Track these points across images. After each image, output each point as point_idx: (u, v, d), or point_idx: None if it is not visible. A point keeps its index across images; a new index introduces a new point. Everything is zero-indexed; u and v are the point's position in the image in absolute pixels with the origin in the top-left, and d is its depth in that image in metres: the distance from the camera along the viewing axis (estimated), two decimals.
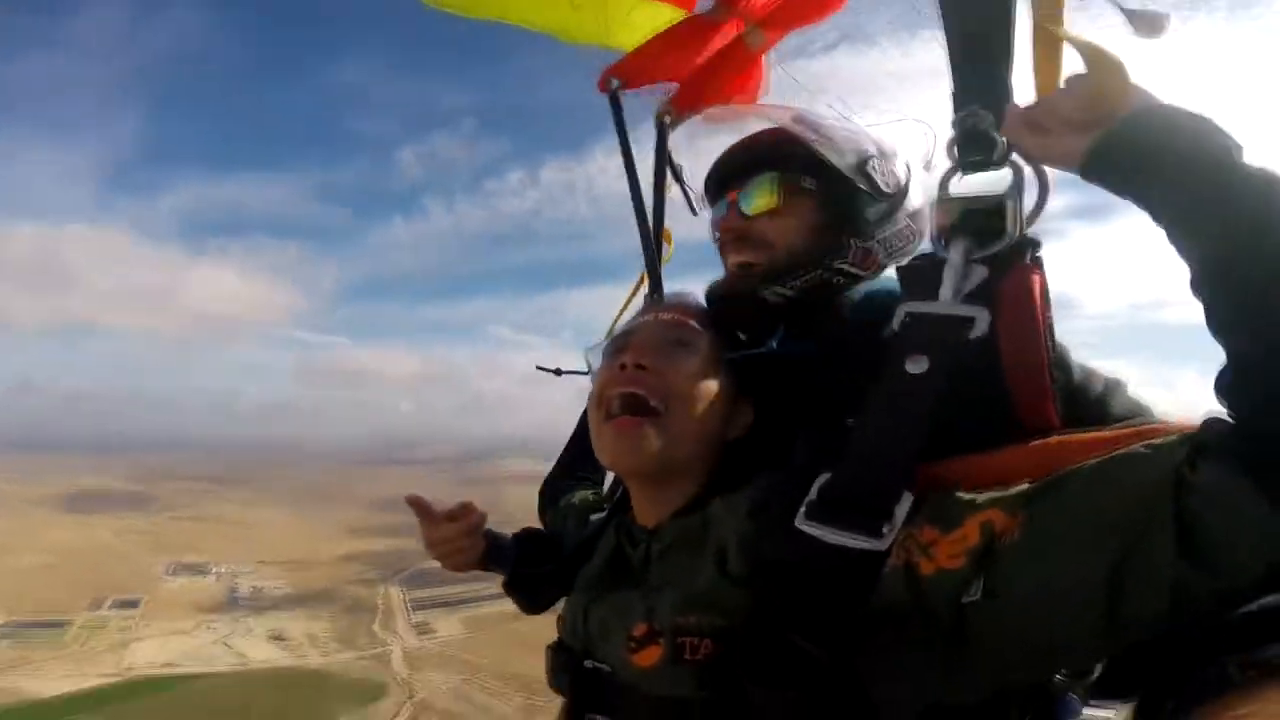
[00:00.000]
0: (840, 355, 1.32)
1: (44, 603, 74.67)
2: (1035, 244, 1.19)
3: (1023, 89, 1.18)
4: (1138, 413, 1.24)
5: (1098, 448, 0.95)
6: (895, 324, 1.14)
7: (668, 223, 2.11)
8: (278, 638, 72.05)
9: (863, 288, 1.47)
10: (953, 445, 1.08)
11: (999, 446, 1.09)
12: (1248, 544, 0.78)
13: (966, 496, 1.00)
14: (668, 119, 1.92)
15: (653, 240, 2.01)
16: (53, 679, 57.11)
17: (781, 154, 1.50)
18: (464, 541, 1.82)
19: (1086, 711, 1.28)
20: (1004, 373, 1.12)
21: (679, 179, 1.96)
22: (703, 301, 1.54)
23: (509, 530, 1.96)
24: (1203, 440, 0.83)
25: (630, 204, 2.12)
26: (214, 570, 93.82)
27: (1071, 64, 1.04)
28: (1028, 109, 1.08)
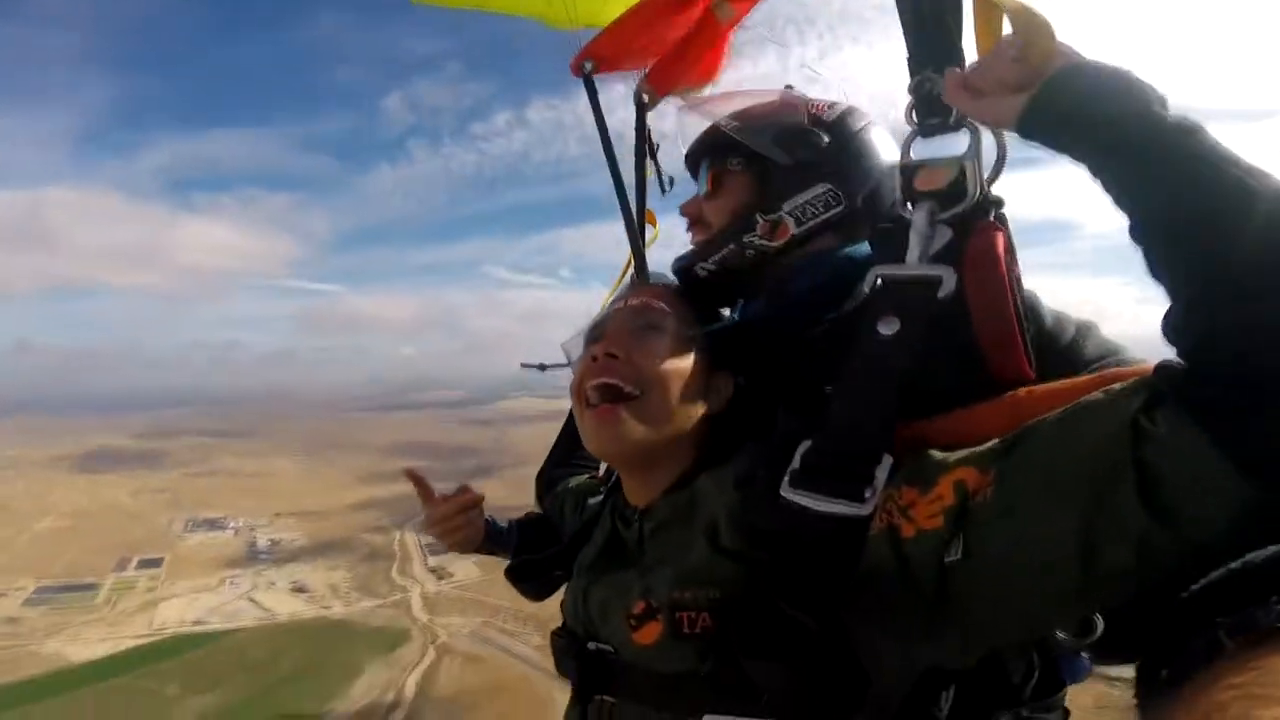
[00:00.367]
0: (798, 320, 1.38)
1: (71, 566, 76.62)
2: (998, 203, 1.22)
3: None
4: (1111, 353, 1.26)
5: (1064, 397, 0.96)
6: (866, 287, 1.15)
7: (652, 204, 2.10)
8: (300, 589, 73.90)
9: (816, 250, 1.51)
10: (931, 405, 1.11)
11: (974, 403, 1.11)
12: (1203, 494, 0.78)
13: (940, 456, 1.02)
14: (646, 99, 1.91)
15: (635, 224, 1.99)
16: (91, 643, 58.94)
17: (712, 142, 1.62)
18: (459, 519, 1.95)
19: (1098, 670, 1.32)
20: (974, 330, 1.14)
21: (654, 158, 1.97)
22: (674, 280, 1.64)
23: (498, 517, 2.06)
24: (1157, 386, 0.84)
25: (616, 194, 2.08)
26: (231, 525, 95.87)
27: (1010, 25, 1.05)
28: (965, 73, 1.09)
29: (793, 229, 1.50)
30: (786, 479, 1.06)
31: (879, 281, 1.14)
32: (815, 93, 1.70)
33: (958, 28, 1.20)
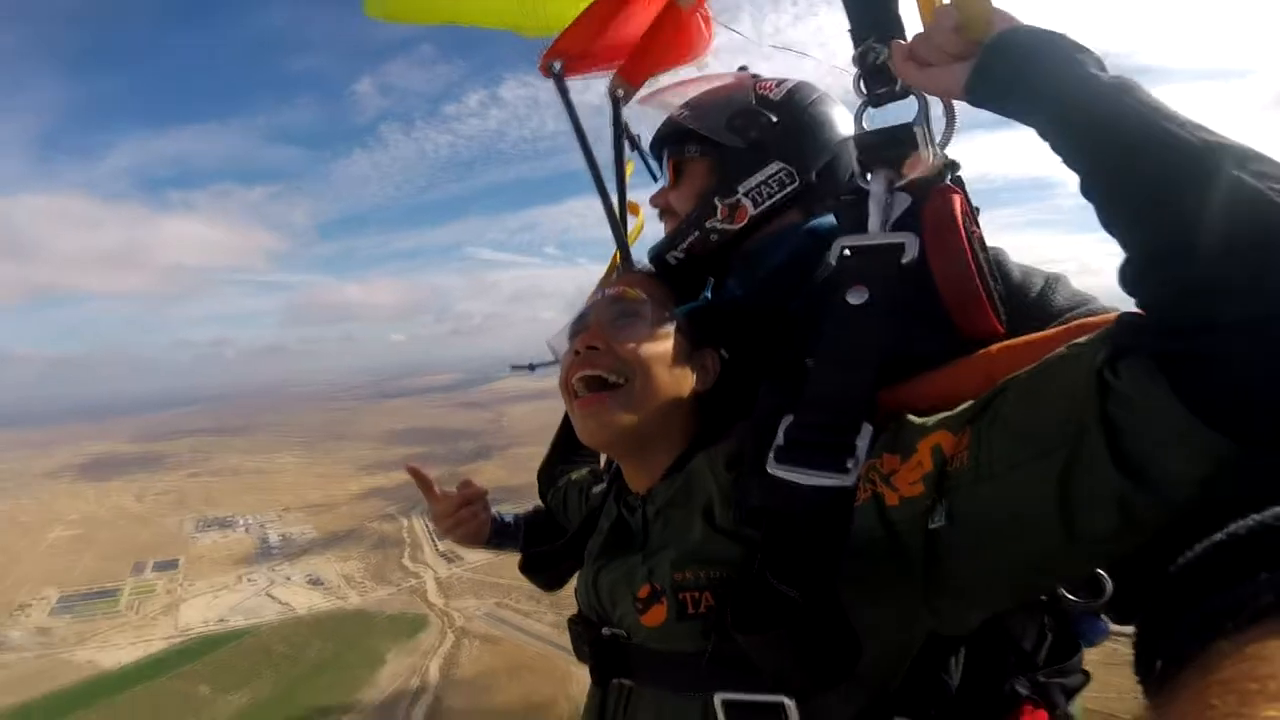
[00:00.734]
0: (771, 296, 1.42)
1: (89, 573, 77.37)
2: (953, 165, 1.25)
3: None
4: (1081, 303, 1.26)
5: (1033, 351, 0.97)
6: (833, 259, 1.16)
7: (634, 195, 2.07)
8: (315, 582, 74.68)
9: (781, 228, 1.53)
10: (906, 369, 1.13)
11: (948, 363, 1.13)
12: (1169, 448, 0.78)
13: (918, 420, 1.02)
14: (620, 93, 1.89)
15: (618, 216, 1.99)
16: (121, 648, 59.85)
17: (669, 133, 1.65)
18: (463, 514, 2.01)
19: (1115, 630, 1.30)
20: (940, 291, 1.16)
21: (637, 147, 1.96)
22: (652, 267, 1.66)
23: (507, 501, 2.21)
24: (1120, 338, 0.84)
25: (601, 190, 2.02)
26: (241, 522, 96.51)
27: None
28: (909, 44, 1.10)
29: (751, 210, 1.52)
30: (771, 455, 1.06)
31: (844, 252, 1.15)
32: (787, 63, 1.77)
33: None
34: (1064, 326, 1.05)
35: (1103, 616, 1.29)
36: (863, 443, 1.01)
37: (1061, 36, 0.92)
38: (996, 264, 1.28)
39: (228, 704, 51.66)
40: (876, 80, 1.23)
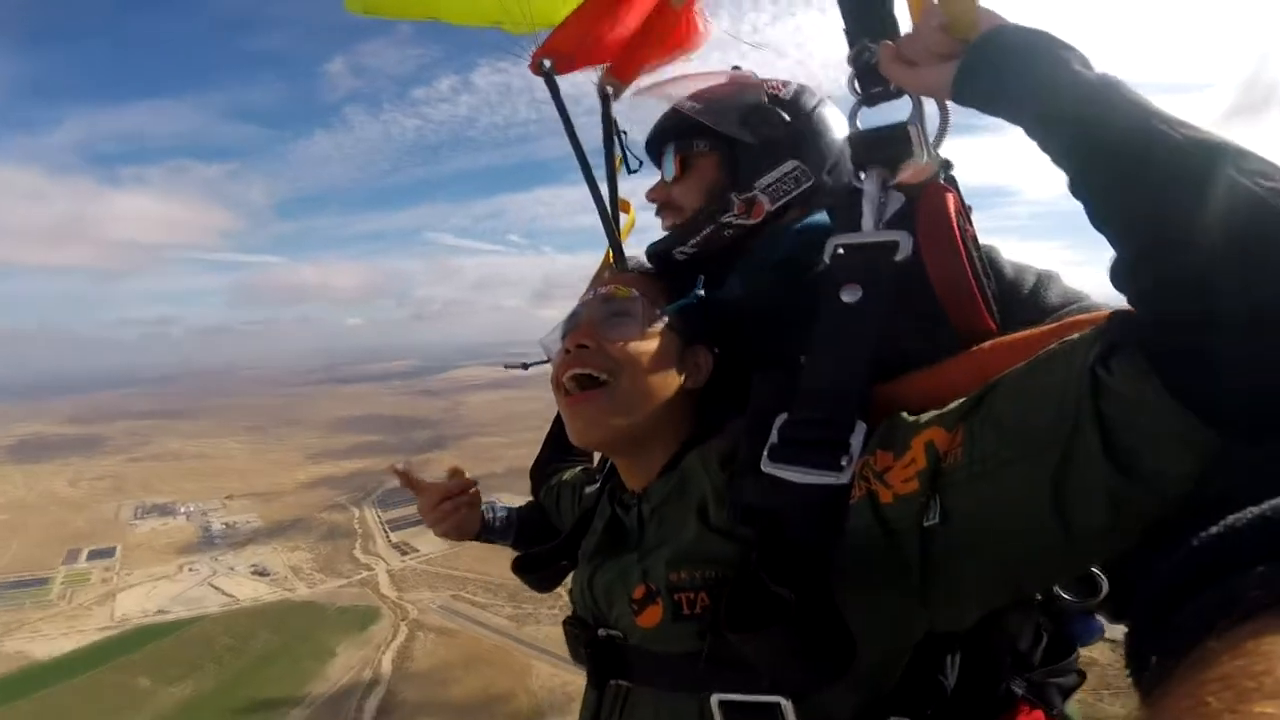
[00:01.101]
0: (766, 294, 1.43)
1: (19, 560, 74.33)
2: (946, 164, 1.27)
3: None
4: (1073, 300, 1.28)
5: (1025, 347, 0.98)
6: (827, 257, 1.16)
7: (626, 193, 2.06)
8: (261, 573, 73.13)
9: (788, 226, 1.54)
10: (900, 366, 1.14)
11: (941, 360, 1.14)
12: (1162, 443, 0.79)
13: (911, 417, 1.03)
14: (610, 90, 1.89)
15: (610, 215, 1.98)
16: (53, 638, 57.64)
17: (676, 126, 1.63)
18: (445, 506, 1.97)
19: (1111, 630, 1.32)
20: (934, 289, 1.17)
21: (623, 146, 1.95)
22: (646, 264, 1.65)
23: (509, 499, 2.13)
24: (1111, 335, 0.85)
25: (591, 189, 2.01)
26: (182, 510, 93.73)
27: None
28: (898, 44, 1.11)
29: (768, 206, 1.53)
30: (766, 453, 1.07)
31: (838, 250, 1.16)
32: (763, 60, 1.79)
33: None
34: (1056, 323, 1.05)
35: (1097, 616, 1.31)
36: (857, 440, 1.01)
37: (1047, 35, 0.93)
38: (989, 261, 1.30)
39: (169, 696, 50.17)
40: (871, 79, 1.22)
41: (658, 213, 1.69)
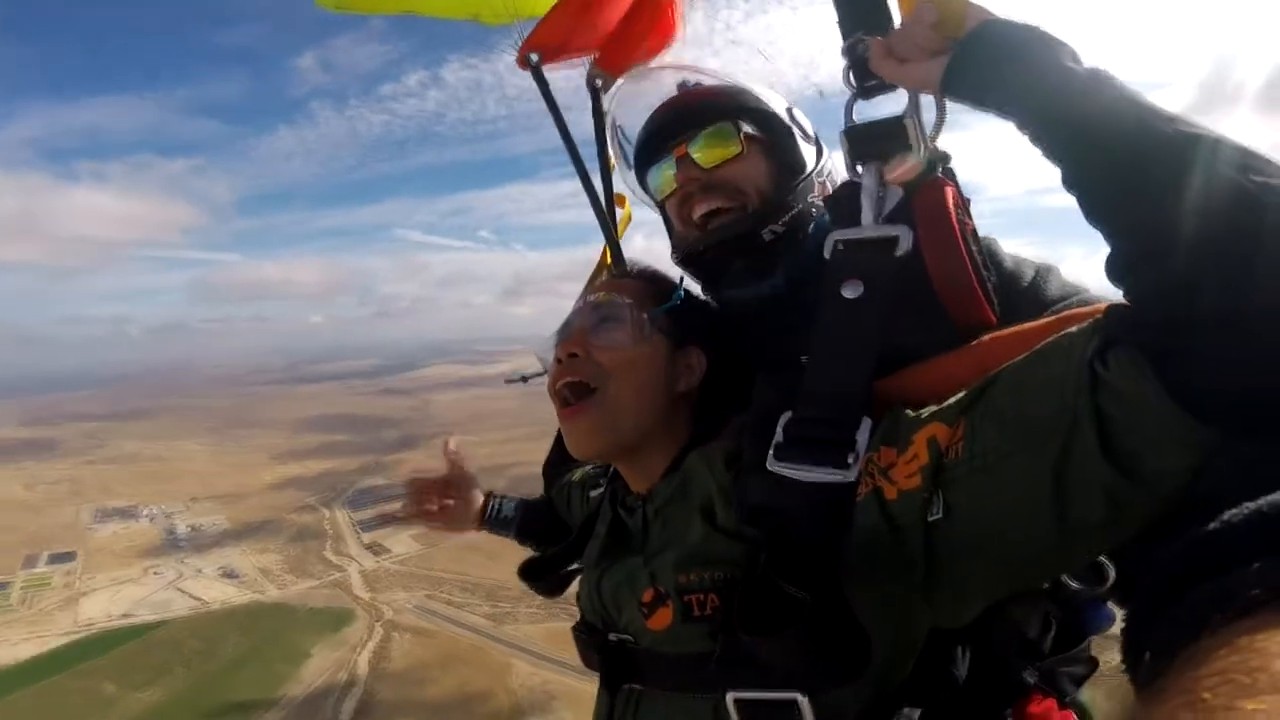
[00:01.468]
0: (803, 290, 1.41)
1: None
2: (944, 157, 1.26)
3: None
4: (1073, 293, 1.28)
5: (1024, 340, 0.98)
6: (827, 253, 1.16)
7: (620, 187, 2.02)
8: (229, 575, 71.70)
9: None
10: (902, 361, 1.14)
11: (942, 353, 1.14)
12: (1157, 443, 0.79)
13: (912, 413, 1.03)
14: (599, 82, 1.86)
15: (605, 210, 1.94)
16: (13, 644, 55.82)
17: (727, 105, 1.57)
18: (430, 506, 1.99)
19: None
20: (933, 283, 1.17)
21: (619, 138, 1.88)
22: (647, 267, 1.61)
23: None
24: (1108, 330, 0.85)
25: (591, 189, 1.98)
26: (144, 513, 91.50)
27: None
28: (888, 39, 1.10)
29: (830, 191, 1.52)
30: (771, 452, 1.07)
31: (838, 246, 1.15)
32: (739, 57, 1.95)
33: None
34: (1055, 316, 1.05)
35: (1107, 603, 1.30)
36: (863, 438, 1.01)
37: (1037, 30, 0.93)
38: (989, 253, 1.29)
39: (137, 701, 49.12)
40: (866, 73, 1.20)
41: (686, 200, 1.57)
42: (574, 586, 1.58)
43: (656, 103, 1.65)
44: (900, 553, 0.97)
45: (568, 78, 1.96)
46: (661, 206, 1.71)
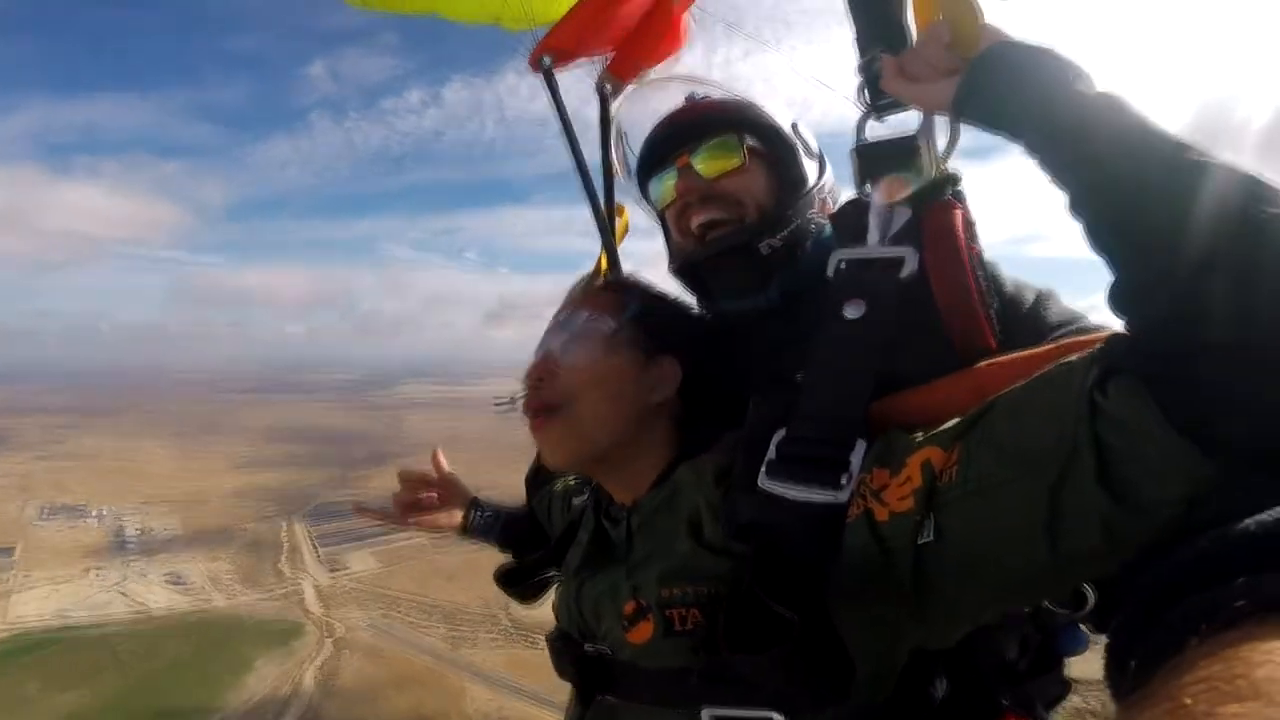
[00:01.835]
0: (799, 306, 1.39)
1: None
2: (954, 179, 1.24)
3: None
4: (1072, 320, 1.26)
5: (1024, 368, 0.96)
6: (830, 271, 1.16)
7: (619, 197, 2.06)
8: (176, 581, 68.62)
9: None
10: (900, 383, 1.11)
11: (940, 377, 1.11)
12: (1156, 473, 0.78)
13: (907, 436, 1.01)
14: (609, 88, 1.88)
15: (605, 218, 1.96)
16: None
17: (732, 118, 1.56)
18: (404, 499, 2.02)
19: (1097, 642, 1.30)
20: (937, 306, 1.15)
21: (625, 145, 1.89)
22: (623, 276, 1.64)
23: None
24: (1109, 359, 0.83)
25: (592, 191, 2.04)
26: (94, 512, 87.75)
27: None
28: (901, 58, 1.10)
29: (830, 208, 1.54)
30: (764, 470, 1.05)
31: (841, 265, 1.14)
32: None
33: (900, 5, 1.20)
34: (1055, 344, 1.04)
35: (1082, 627, 1.31)
36: (856, 459, 1.01)
37: (1050, 52, 0.93)
38: (991, 277, 1.29)
39: (60, 702, 46.06)
40: (879, 91, 1.21)
41: (685, 209, 1.57)
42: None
43: (665, 112, 1.67)
44: (890, 574, 0.96)
45: (572, 82, 2.03)
46: (661, 217, 1.70)
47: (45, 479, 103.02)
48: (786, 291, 1.46)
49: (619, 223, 2.09)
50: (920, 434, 1.00)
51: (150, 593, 65.75)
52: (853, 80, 1.27)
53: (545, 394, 1.30)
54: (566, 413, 1.27)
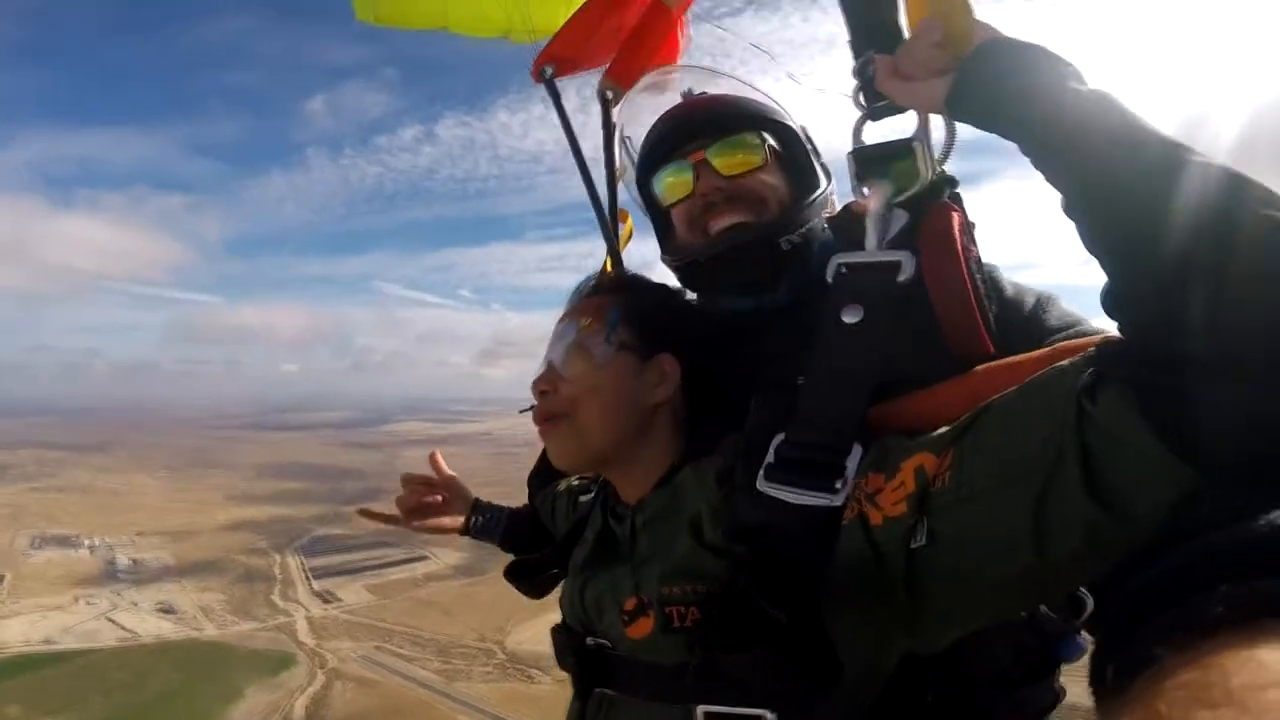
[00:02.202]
0: (804, 308, 1.35)
1: None
2: (952, 182, 1.25)
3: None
4: (1072, 324, 1.26)
5: (1019, 372, 0.96)
6: (829, 276, 1.16)
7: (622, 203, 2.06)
8: (167, 610, 67.60)
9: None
10: (897, 387, 1.11)
11: (938, 382, 1.11)
12: (1140, 481, 0.77)
13: (902, 441, 1.02)
14: (610, 94, 1.88)
15: (609, 224, 1.98)
16: None
17: (753, 114, 1.53)
18: (410, 501, 2.07)
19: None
20: (935, 310, 1.16)
21: (628, 152, 1.85)
22: (617, 276, 1.67)
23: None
24: (1099, 364, 0.83)
25: (594, 195, 2.08)
26: (86, 543, 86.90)
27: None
28: (894, 58, 1.09)
29: (835, 210, 1.55)
30: (762, 472, 1.07)
31: (840, 269, 1.15)
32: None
33: (894, 8, 1.20)
34: (1050, 349, 1.03)
35: (1081, 634, 1.30)
36: (852, 464, 1.02)
37: (1042, 50, 0.92)
38: (990, 281, 1.28)
39: None
40: (875, 94, 1.20)
41: (709, 209, 1.48)
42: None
43: (669, 108, 1.62)
44: (882, 577, 0.97)
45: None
46: (660, 211, 1.63)
47: (37, 510, 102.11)
48: (795, 294, 1.44)
49: (623, 227, 2.11)
50: (915, 439, 1.01)
51: (140, 621, 64.80)
52: (843, 93, 1.27)
53: (550, 404, 1.34)
54: (570, 421, 1.31)
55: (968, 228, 1.21)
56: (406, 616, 66.57)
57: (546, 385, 1.35)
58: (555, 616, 1.46)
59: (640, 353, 1.34)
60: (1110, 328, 0.89)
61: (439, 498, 2.10)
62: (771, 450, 1.08)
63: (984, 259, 1.28)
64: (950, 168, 1.22)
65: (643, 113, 1.72)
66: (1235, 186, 0.73)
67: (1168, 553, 0.59)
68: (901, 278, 1.09)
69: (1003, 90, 0.92)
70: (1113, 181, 0.81)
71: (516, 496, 2.14)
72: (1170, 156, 0.77)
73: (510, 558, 1.68)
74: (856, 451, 1.02)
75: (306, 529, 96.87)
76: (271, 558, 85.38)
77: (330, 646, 61.30)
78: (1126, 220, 0.79)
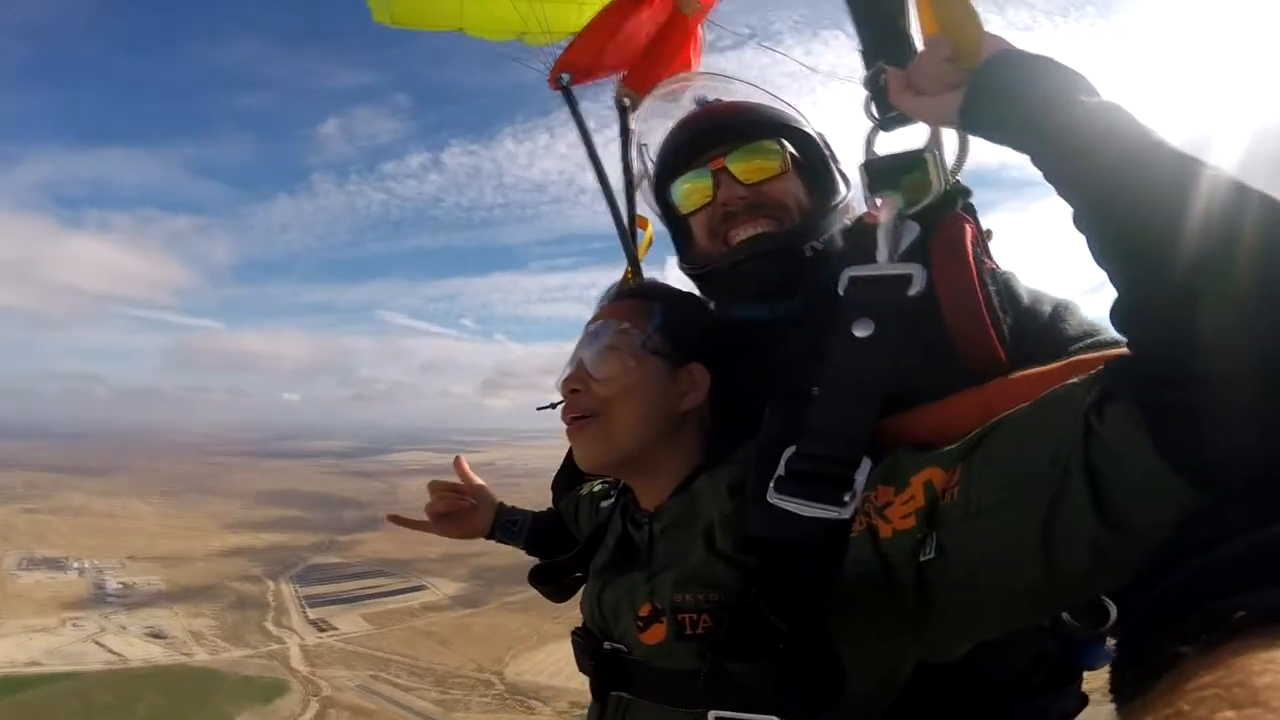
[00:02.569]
0: (818, 319, 1.28)
1: None
2: (965, 192, 1.23)
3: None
4: (1091, 333, 1.21)
5: (1033, 387, 0.95)
6: (840, 289, 1.14)
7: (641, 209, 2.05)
8: (156, 635, 66.14)
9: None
10: (909, 400, 1.10)
11: (950, 395, 1.09)
12: (1144, 499, 0.77)
13: (912, 454, 1.02)
14: (627, 101, 1.90)
15: (628, 230, 1.98)
16: None
17: (772, 121, 1.51)
18: (450, 498, 2.07)
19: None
20: (947, 325, 1.14)
21: (645, 159, 1.82)
22: (646, 282, 1.65)
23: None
24: (1107, 382, 0.83)
25: (611, 203, 2.08)
26: (75, 565, 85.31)
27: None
28: (906, 72, 1.08)
29: (849, 221, 1.50)
30: (773, 484, 1.07)
31: (852, 282, 1.15)
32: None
33: (905, 18, 1.20)
34: (1064, 363, 1.02)
35: (1105, 641, 1.28)
36: (861, 477, 1.02)
37: (1052, 62, 0.92)
38: (1006, 290, 1.27)
39: None
40: (886, 104, 1.20)
41: (730, 218, 1.47)
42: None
43: (687, 115, 1.63)
44: (891, 589, 0.98)
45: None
46: (677, 218, 1.62)
47: (27, 531, 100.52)
48: (811, 303, 1.40)
49: (643, 235, 2.08)
50: (926, 453, 1.01)
51: (128, 644, 63.23)
52: (852, 79, 1.26)
53: (581, 403, 1.33)
54: (600, 421, 1.32)
55: (981, 239, 1.21)
56: (403, 646, 65.16)
57: (578, 384, 1.35)
58: (554, 649, 1.50)
59: (672, 359, 1.34)
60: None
61: (467, 502, 2.11)
62: (782, 463, 1.09)
63: (1001, 267, 1.29)
64: None
65: (660, 120, 1.72)
66: (1247, 202, 0.72)
67: (1185, 563, 0.60)
68: (912, 291, 1.08)
69: (1013, 103, 0.92)
70: (1123, 193, 0.80)
71: None
72: (1182, 169, 0.77)
73: (534, 561, 1.75)
74: (866, 465, 1.03)
75: (303, 557, 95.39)
76: (266, 585, 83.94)
77: (325, 674, 59.84)
78: (1137, 232, 0.78)
